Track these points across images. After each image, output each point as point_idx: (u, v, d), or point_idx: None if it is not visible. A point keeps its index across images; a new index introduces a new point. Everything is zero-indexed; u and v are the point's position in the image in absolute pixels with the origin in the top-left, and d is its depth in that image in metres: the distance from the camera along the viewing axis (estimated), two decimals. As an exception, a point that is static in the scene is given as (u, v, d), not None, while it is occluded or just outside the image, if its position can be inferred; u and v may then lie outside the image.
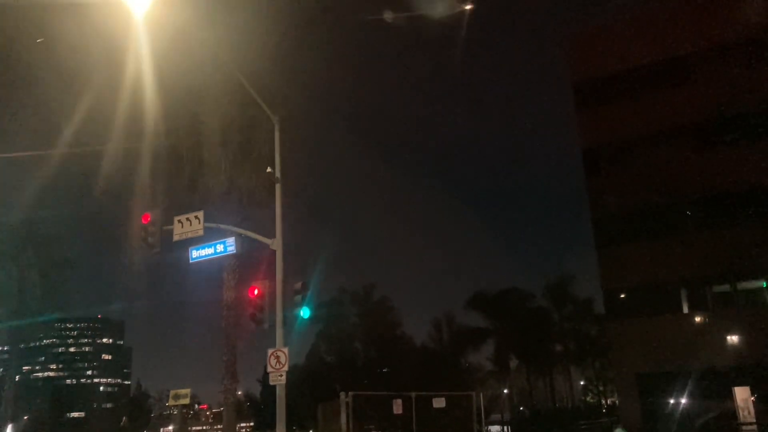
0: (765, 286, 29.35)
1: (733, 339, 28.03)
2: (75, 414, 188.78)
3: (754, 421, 26.89)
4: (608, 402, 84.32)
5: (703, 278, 29.72)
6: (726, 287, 30.06)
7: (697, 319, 29.58)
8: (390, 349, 69.48)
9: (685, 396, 29.86)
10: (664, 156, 32.18)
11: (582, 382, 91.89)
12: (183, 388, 22.38)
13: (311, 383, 60.41)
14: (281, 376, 16.45)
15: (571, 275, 72.88)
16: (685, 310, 30.30)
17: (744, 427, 26.96)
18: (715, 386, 28.68)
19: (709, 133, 31.11)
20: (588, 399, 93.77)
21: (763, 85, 29.77)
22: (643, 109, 32.29)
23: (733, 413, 27.10)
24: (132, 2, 15.56)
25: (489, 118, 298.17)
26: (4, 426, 33.97)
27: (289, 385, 17.17)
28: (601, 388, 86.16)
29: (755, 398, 27.36)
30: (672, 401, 30.28)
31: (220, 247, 18.38)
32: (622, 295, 32.05)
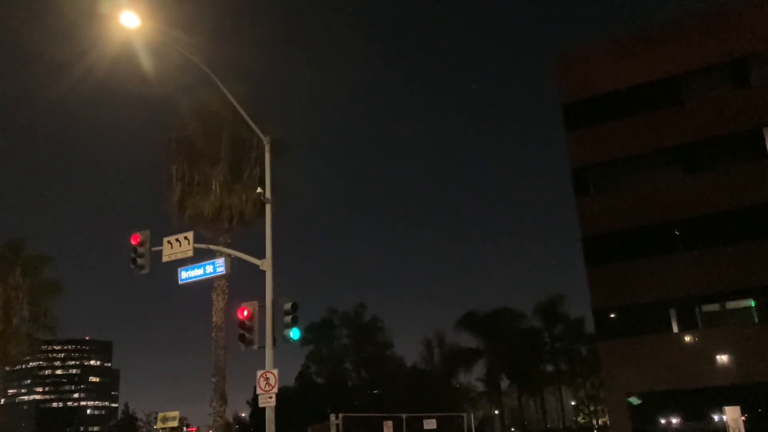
0: (753, 305, 29.47)
1: (722, 358, 28.08)
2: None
3: (745, 440, 26.86)
4: (599, 422, 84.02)
5: (693, 298, 29.80)
6: (715, 306, 30.15)
7: (687, 338, 29.63)
8: (381, 369, 69.10)
9: (675, 416, 29.83)
10: (653, 176, 32.44)
11: (573, 403, 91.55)
12: (171, 410, 22.18)
13: (301, 405, 59.82)
14: (271, 398, 16.31)
15: (562, 295, 73.00)
16: (675, 329, 30.35)
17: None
18: (705, 406, 28.68)
19: (697, 153, 31.41)
20: (579, 419, 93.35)
21: (750, 106, 30.16)
22: (632, 130, 32.57)
23: (724, 433, 27.10)
24: (124, 21, 15.68)
25: (480, 138, 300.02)
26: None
27: (279, 406, 17.01)
28: (592, 409, 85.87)
29: (746, 417, 27.36)
30: (663, 421, 30.23)
31: (209, 268, 18.28)
32: (612, 315, 32.07)
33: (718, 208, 29.57)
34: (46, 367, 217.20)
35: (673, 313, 30.58)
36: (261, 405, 16.67)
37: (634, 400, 29.19)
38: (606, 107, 33.36)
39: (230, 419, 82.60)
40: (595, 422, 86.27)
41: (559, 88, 35.78)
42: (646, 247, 31.05)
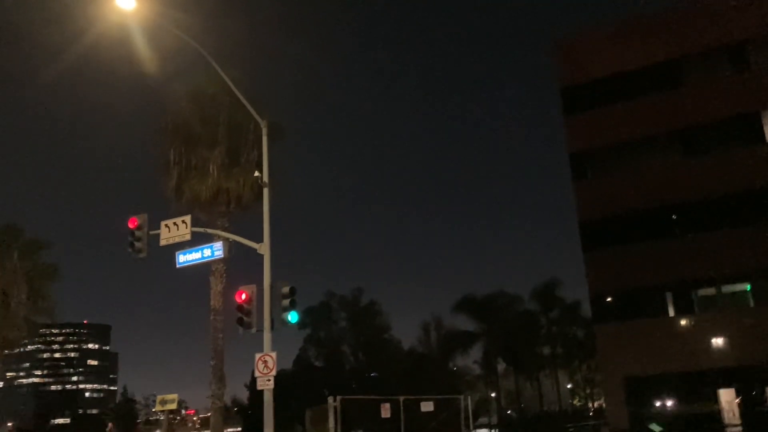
0: (749, 289, 29.62)
1: (717, 341, 28.26)
2: (60, 420, 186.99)
3: (739, 422, 27.12)
4: (595, 405, 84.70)
5: (689, 282, 29.93)
6: (711, 290, 30.29)
7: (683, 322, 29.79)
8: (378, 353, 69.36)
9: (671, 398, 30.06)
10: (651, 160, 32.43)
11: (569, 386, 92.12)
12: (170, 393, 22.24)
13: (299, 388, 60.12)
14: (269, 380, 16.38)
15: (559, 278, 73.26)
16: (671, 313, 30.50)
17: (729, 429, 27.18)
18: (700, 389, 28.91)
19: (695, 138, 31.39)
20: (575, 402, 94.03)
21: (749, 90, 30.09)
22: (630, 114, 32.51)
23: (718, 415, 27.34)
24: (120, 1, 15.60)
25: (477, 122, 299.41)
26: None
27: (277, 389, 17.10)
28: (588, 391, 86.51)
29: (740, 400, 27.60)
30: (658, 404, 30.48)
31: (207, 252, 18.32)
32: (609, 299, 32.22)
33: (715, 193, 29.62)
34: (45, 351, 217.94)
35: (669, 296, 30.73)
36: (259, 388, 16.76)
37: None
38: (604, 92, 33.27)
39: (229, 402, 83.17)
40: (591, 405, 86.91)
41: (557, 72, 35.69)
42: (643, 231, 31.12)
